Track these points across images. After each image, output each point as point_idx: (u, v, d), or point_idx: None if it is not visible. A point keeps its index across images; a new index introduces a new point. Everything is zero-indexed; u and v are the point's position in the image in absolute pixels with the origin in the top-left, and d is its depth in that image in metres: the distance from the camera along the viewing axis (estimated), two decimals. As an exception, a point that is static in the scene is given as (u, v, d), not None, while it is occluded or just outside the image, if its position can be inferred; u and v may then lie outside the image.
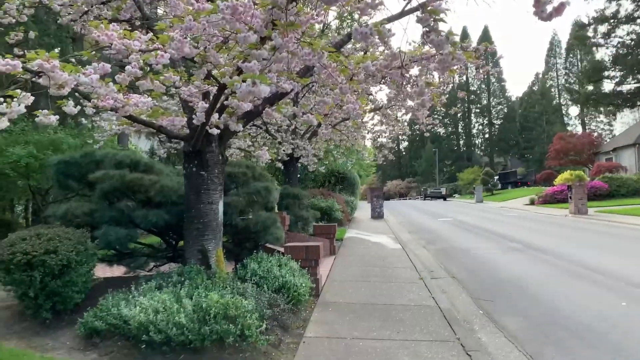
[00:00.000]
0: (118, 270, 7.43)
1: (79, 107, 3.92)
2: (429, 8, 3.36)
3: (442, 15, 3.38)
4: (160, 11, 7.75)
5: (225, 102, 5.27)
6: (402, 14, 5.02)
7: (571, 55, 78.81)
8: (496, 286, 7.87)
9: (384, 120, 16.25)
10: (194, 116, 5.35)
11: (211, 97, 5.29)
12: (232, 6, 3.72)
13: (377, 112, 14.72)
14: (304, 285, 6.00)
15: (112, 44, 4.12)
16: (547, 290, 7.38)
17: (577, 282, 7.92)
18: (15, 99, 3.55)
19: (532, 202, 32.12)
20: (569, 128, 73.42)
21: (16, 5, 6.53)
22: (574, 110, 73.56)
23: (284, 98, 6.26)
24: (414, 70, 7.54)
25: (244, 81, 3.47)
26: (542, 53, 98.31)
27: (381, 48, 7.67)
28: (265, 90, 3.38)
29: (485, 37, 78.75)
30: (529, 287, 7.66)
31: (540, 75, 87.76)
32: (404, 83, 7.58)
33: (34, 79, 3.81)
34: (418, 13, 3.56)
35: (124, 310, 4.35)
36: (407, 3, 3.50)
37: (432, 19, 3.36)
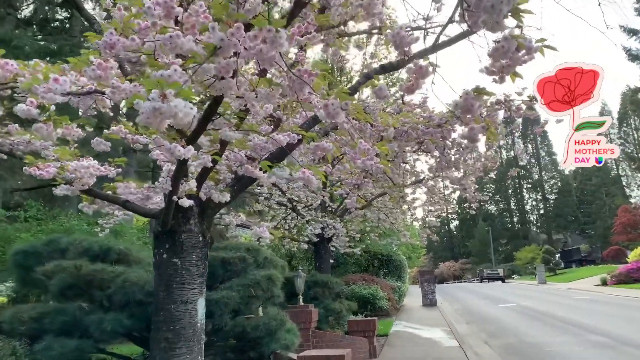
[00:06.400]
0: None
1: None
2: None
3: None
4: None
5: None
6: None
7: (624, 124, 75.57)
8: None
9: (429, 197, 14.59)
10: (156, 182, 3.99)
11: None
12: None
13: (419, 184, 13.12)
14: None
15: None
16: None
17: None
18: None
19: (604, 283, 28.42)
20: (632, 200, 68.46)
21: None
22: (637, 180, 68.91)
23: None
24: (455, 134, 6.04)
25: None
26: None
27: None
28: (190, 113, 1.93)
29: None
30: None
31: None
32: (445, 148, 6.11)
33: None
34: None
35: None
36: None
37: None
